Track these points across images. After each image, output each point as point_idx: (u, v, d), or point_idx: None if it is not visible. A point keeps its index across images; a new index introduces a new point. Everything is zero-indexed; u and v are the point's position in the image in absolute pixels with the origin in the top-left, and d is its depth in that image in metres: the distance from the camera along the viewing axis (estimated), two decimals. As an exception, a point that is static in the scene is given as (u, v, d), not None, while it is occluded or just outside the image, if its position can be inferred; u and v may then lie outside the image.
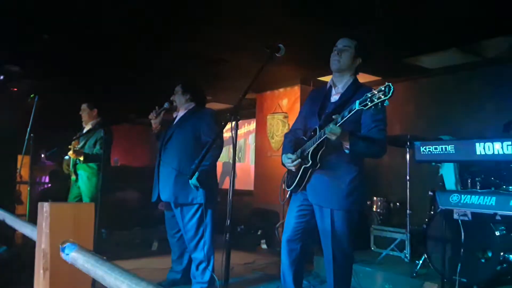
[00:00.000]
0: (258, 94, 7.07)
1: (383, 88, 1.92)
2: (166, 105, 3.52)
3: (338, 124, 2.14)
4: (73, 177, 4.54)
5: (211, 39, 4.60)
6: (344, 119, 2.11)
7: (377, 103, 1.92)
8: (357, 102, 2.01)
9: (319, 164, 2.36)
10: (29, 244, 2.76)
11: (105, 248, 4.67)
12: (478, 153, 1.93)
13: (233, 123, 2.15)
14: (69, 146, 4.26)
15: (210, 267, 3.32)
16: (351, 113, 2.07)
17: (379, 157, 2.47)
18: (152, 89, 6.31)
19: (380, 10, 3.54)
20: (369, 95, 1.95)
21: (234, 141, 2.13)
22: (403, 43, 4.64)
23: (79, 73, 5.92)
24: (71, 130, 4.77)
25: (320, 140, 2.28)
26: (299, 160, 2.45)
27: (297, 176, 2.48)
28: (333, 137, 2.17)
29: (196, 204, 3.31)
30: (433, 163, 2.84)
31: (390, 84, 1.90)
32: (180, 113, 3.59)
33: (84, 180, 4.48)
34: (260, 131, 7.02)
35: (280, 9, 3.80)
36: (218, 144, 3.35)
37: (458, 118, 5.11)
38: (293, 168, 2.51)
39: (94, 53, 5.08)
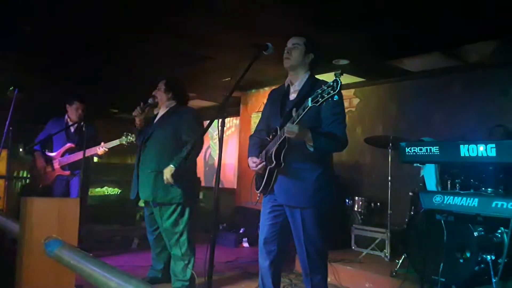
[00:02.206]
0: (242, 92, 7.06)
1: (331, 83, 1.96)
2: (150, 101, 3.48)
3: (295, 122, 2.16)
4: None
5: (196, 36, 4.57)
6: (300, 117, 2.14)
7: (327, 98, 1.96)
8: (309, 99, 2.05)
9: (283, 164, 2.36)
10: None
11: (85, 245, 4.59)
12: (462, 154, 1.97)
13: (219, 121, 2.14)
14: None
15: (190, 265, 3.31)
16: (305, 111, 2.10)
17: (340, 151, 2.49)
18: (135, 86, 6.23)
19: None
20: (320, 91, 1.99)
21: (220, 139, 2.12)
22: (386, 45, 4.70)
23: (60, 66, 5.81)
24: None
25: (281, 140, 2.29)
26: (263, 162, 2.46)
27: (264, 178, 2.48)
28: (292, 136, 2.20)
29: (174, 203, 3.30)
30: (416, 164, 2.90)
31: (338, 78, 1.95)
32: (161, 111, 3.54)
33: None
34: (244, 130, 7.01)
35: (267, 7, 3.80)
36: (198, 143, 3.33)
37: (439, 121, 5.21)
38: (259, 171, 2.52)
39: (76, 47, 4.99)
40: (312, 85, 2.46)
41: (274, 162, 2.35)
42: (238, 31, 4.34)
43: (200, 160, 8.96)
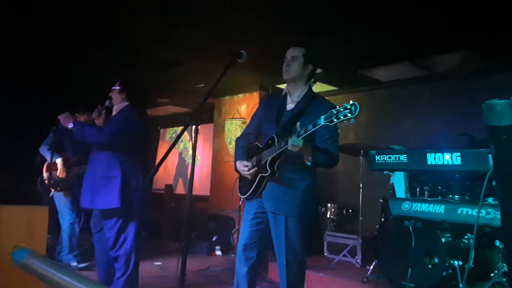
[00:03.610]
0: (216, 98, 7.05)
1: (349, 106, 1.97)
2: (107, 103, 3.37)
3: (301, 137, 2.18)
4: None
5: (170, 41, 4.55)
6: (308, 132, 2.15)
7: (343, 120, 1.97)
8: (322, 117, 2.05)
9: (277, 173, 2.38)
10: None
11: (50, 255, 4.45)
12: (429, 163, 2.03)
13: (193, 127, 2.13)
14: None
15: (125, 277, 3.15)
16: (315, 128, 2.11)
17: (332, 167, 2.56)
18: (107, 90, 6.10)
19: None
20: (335, 112, 2.00)
21: (193, 145, 2.11)
22: (358, 56, 4.81)
23: (23, 69, 5.63)
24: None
25: (280, 150, 2.31)
26: (256, 168, 2.47)
27: (253, 184, 2.48)
28: (296, 149, 2.21)
29: (116, 210, 3.10)
30: (386, 172, 2.97)
31: (357, 103, 1.96)
32: (113, 112, 3.39)
33: None
34: (218, 136, 7.00)
35: (243, 15, 3.83)
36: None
37: (409, 129, 5.35)
38: (248, 176, 2.52)
39: (41, 49, 4.88)
40: (310, 99, 2.50)
41: (269, 171, 2.37)
42: (213, 37, 4.35)
43: (172, 166, 8.87)
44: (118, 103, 3.34)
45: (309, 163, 2.29)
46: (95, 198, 3.09)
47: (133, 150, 3.19)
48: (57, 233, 4.63)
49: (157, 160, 3.08)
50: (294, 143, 2.17)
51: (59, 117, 3.21)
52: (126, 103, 3.34)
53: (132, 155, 3.18)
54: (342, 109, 1.98)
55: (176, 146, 8.79)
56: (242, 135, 2.81)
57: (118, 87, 3.33)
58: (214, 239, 6.02)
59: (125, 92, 3.33)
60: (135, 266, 3.20)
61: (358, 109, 1.94)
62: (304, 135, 2.16)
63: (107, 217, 3.13)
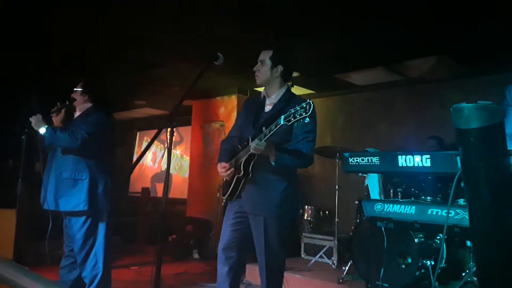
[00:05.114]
0: (194, 101, 7.02)
1: (304, 105, 2.04)
2: (67, 102, 3.33)
3: (263, 139, 2.22)
4: None
5: (147, 43, 4.51)
6: (271, 133, 2.19)
7: (299, 119, 2.05)
8: (282, 117, 2.11)
9: (250, 174, 2.41)
10: None
11: (22, 259, 4.33)
12: (400, 165, 2.08)
13: (169, 129, 2.12)
14: None
15: (93, 285, 3.06)
16: (276, 128, 2.16)
17: (305, 167, 2.59)
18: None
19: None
20: (293, 111, 2.07)
21: (169, 148, 2.10)
22: (333, 60, 4.88)
23: None
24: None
25: (250, 152, 2.33)
26: (232, 169, 2.49)
27: (231, 185, 2.52)
28: (258, 152, 2.26)
29: (83, 213, 3.03)
30: (360, 174, 3.03)
31: (311, 102, 2.04)
32: (76, 114, 3.33)
33: None
34: (195, 139, 6.96)
35: (221, 18, 3.83)
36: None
37: (383, 132, 5.46)
38: (226, 177, 2.54)
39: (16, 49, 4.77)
40: (288, 100, 2.53)
41: (243, 171, 2.40)
42: (191, 40, 4.33)
43: (149, 169, 8.78)
44: (80, 104, 3.28)
45: (273, 163, 2.33)
46: (59, 200, 3.02)
47: (101, 153, 3.14)
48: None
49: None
50: (257, 146, 2.22)
51: (30, 119, 3.14)
52: (89, 104, 3.29)
53: (100, 158, 3.13)
54: (299, 108, 2.05)
55: (159, 148, 8.72)
56: (227, 137, 2.84)
57: (80, 88, 3.29)
58: (191, 242, 5.98)
59: (88, 93, 3.29)
60: (106, 271, 3.14)
61: (312, 107, 2.02)
62: (268, 135, 2.21)
63: (73, 220, 3.06)
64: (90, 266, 3.07)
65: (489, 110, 1.56)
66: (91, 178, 3.05)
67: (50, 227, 3.09)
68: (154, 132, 2.17)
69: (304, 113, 2.03)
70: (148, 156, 8.74)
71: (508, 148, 1.75)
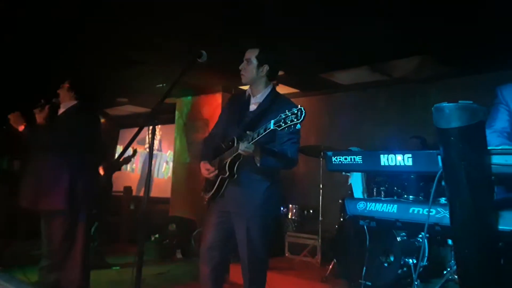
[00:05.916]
0: (178, 99, 6.97)
1: (295, 111, 2.00)
2: (54, 100, 3.27)
3: (252, 142, 2.20)
4: None
5: (130, 39, 4.45)
6: (259, 137, 2.18)
7: (290, 125, 2.02)
8: (272, 122, 2.08)
9: (236, 175, 2.40)
10: None
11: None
12: (382, 164, 2.08)
13: (150, 127, 2.10)
14: None
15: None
16: (266, 132, 2.14)
17: (289, 169, 2.59)
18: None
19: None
20: (283, 116, 2.04)
21: (150, 146, 2.07)
22: (317, 59, 4.89)
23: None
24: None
25: (237, 153, 2.32)
26: (217, 171, 2.48)
27: (215, 185, 2.50)
28: (246, 154, 2.25)
29: (62, 212, 2.99)
30: (343, 172, 3.04)
31: (302, 108, 2.00)
32: (61, 110, 3.26)
33: None
34: (179, 137, 6.91)
35: (206, 15, 3.80)
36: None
37: (367, 131, 5.50)
38: (211, 178, 2.52)
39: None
40: (273, 100, 2.52)
41: (228, 172, 2.39)
42: (174, 37, 4.29)
43: (137, 168, 8.68)
44: (65, 101, 3.23)
45: (258, 164, 2.32)
46: (38, 198, 2.97)
47: (82, 151, 3.09)
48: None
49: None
50: (245, 148, 2.21)
51: (9, 116, 3.07)
52: (75, 102, 3.23)
53: (81, 156, 3.08)
54: (289, 114, 2.02)
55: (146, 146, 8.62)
56: (209, 135, 2.81)
57: (67, 85, 3.22)
58: (174, 242, 5.93)
59: (74, 90, 3.23)
60: (85, 272, 3.09)
61: (304, 114, 1.98)
62: (256, 138, 2.19)
63: (51, 219, 3.01)
64: (69, 267, 3.02)
65: (469, 110, 1.57)
66: (71, 177, 2.99)
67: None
68: (136, 130, 2.14)
69: (295, 120, 1.99)
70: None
71: (503, 142, 1.76)
